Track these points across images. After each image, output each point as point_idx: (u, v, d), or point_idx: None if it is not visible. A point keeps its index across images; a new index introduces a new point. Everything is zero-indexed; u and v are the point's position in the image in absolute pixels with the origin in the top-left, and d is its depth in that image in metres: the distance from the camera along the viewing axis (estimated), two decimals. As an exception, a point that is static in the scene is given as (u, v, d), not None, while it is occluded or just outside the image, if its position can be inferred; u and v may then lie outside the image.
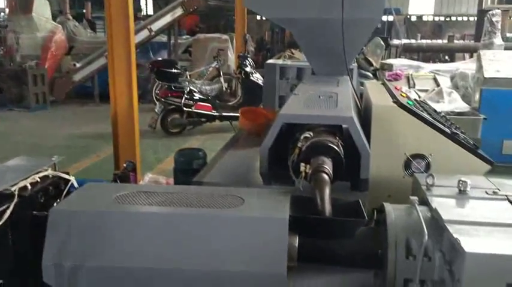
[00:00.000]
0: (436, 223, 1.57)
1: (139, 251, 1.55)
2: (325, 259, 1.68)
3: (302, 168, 1.83)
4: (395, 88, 2.84)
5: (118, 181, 3.24)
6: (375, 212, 1.75)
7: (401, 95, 2.60)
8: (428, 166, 2.20)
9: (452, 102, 7.57)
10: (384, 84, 2.99)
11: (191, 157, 3.18)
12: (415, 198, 1.66)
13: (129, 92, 4.47)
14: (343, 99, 2.47)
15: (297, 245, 1.64)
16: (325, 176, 1.74)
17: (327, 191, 1.70)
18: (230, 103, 10.13)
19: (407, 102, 2.32)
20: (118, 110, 4.54)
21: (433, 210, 1.61)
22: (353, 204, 1.80)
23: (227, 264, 1.54)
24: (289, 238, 1.61)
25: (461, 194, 1.76)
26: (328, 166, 1.81)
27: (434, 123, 2.19)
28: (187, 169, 2.81)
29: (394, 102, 2.23)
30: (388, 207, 1.69)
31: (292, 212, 1.69)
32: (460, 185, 1.77)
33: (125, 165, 3.23)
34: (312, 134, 2.13)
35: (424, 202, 1.75)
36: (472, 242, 1.34)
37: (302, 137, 2.10)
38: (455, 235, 1.39)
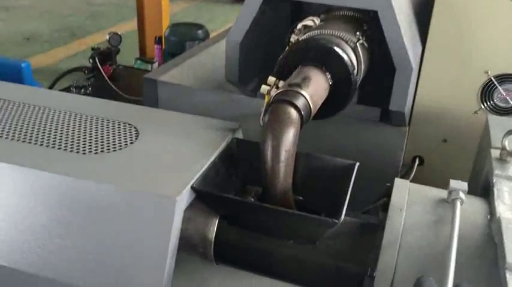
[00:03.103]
0: (493, 251, 0.70)
1: None
2: (264, 267, 0.91)
3: (264, 87, 0.98)
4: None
5: (97, 60, 2.55)
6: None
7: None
8: (524, 100, 1.23)
9: None
10: None
11: (184, 36, 2.32)
12: (458, 185, 0.77)
13: None
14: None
15: (213, 236, 0.88)
16: (291, 110, 0.88)
17: (288, 139, 0.86)
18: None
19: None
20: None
21: (494, 221, 0.73)
22: (345, 168, 0.95)
23: (69, 274, 0.83)
24: (198, 222, 0.87)
25: None
26: (309, 89, 0.94)
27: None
28: (179, 53, 2.01)
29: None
30: (399, 193, 0.82)
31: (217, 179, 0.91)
32: None
33: (107, 38, 2.49)
34: (316, 21, 1.23)
35: (487, 186, 0.86)
36: None
37: (300, 27, 1.22)
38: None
